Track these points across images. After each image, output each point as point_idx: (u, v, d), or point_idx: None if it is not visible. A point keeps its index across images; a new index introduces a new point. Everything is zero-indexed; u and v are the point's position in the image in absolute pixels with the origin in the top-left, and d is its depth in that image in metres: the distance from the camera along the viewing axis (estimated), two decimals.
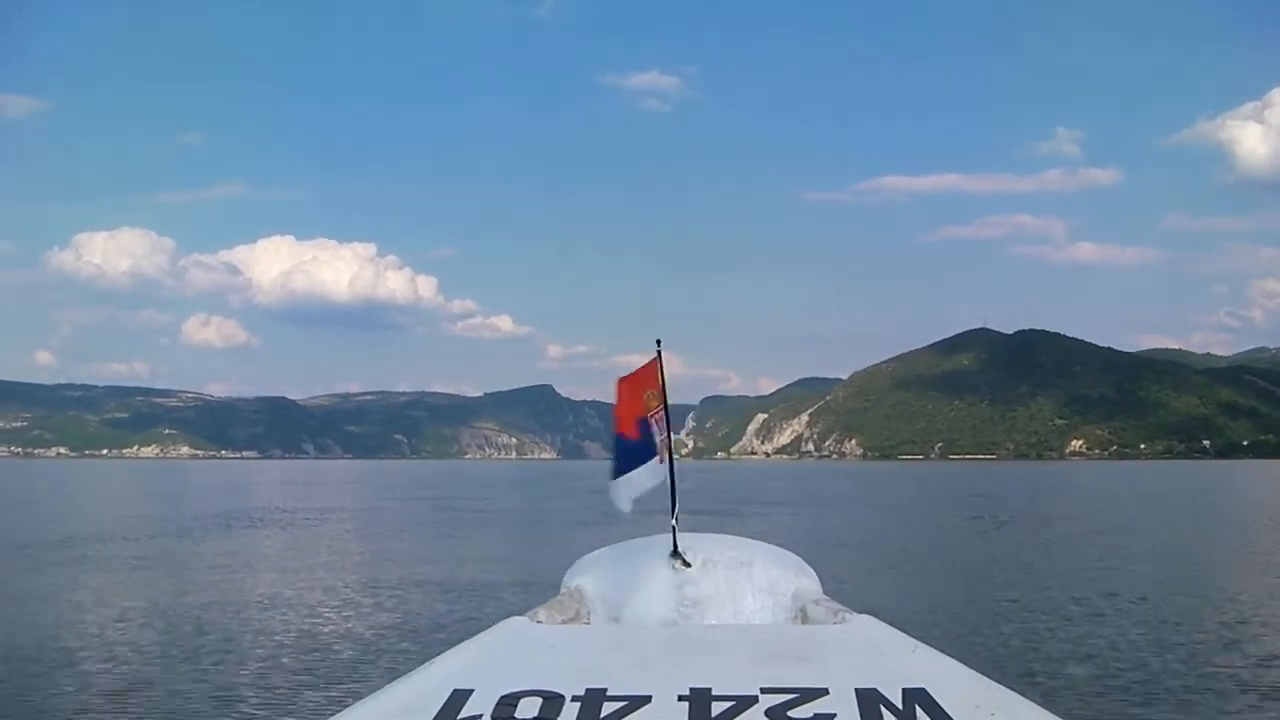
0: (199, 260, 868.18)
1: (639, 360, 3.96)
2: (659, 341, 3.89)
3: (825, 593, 3.94)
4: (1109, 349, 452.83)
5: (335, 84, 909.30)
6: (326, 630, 13.75)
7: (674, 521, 3.96)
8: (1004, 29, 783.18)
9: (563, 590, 3.94)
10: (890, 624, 2.87)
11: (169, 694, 10.12)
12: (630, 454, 3.88)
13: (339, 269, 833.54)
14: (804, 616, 3.65)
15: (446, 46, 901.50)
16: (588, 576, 3.97)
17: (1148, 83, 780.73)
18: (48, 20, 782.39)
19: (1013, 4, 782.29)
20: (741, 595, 3.83)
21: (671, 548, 3.96)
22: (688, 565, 3.90)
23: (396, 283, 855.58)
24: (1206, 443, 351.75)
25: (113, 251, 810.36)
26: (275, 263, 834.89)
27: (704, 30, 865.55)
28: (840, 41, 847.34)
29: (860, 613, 3.14)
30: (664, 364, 3.96)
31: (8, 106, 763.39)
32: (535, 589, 14.06)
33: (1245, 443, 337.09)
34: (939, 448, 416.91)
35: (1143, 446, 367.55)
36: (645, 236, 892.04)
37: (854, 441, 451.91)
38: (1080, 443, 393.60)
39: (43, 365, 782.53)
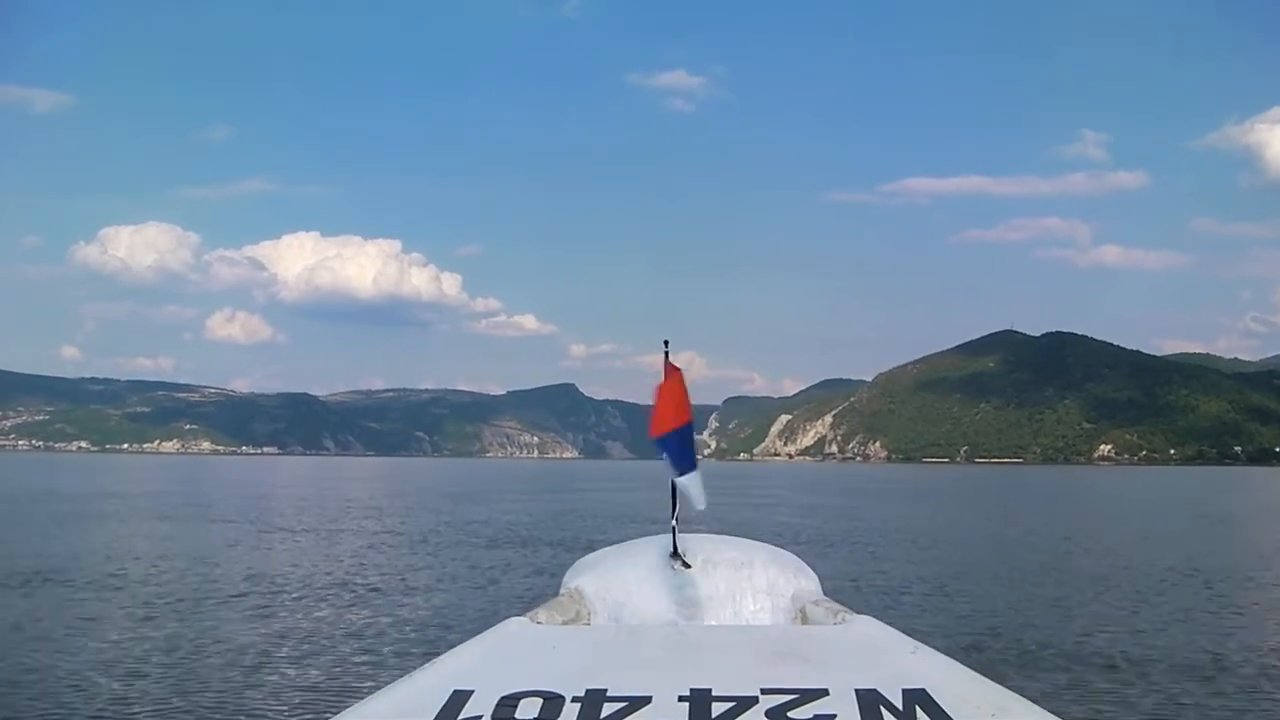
0: (224, 255, 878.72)
1: (662, 361, 3.89)
2: (666, 342, 3.82)
3: (825, 593, 3.91)
4: (1136, 352, 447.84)
5: (360, 82, 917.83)
6: (325, 631, 12.91)
7: (674, 522, 3.94)
8: (1030, 31, 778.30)
9: (562, 591, 3.91)
10: (890, 625, 2.85)
11: (166, 693, 9.52)
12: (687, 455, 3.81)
13: (363, 265, 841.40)
14: (804, 617, 3.63)
15: (473, 45, 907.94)
16: (588, 577, 3.95)
17: (1175, 86, 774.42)
18: (72, 14, 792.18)
19: (1038, 6, 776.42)
20: (741, 596, 3.82)
21: (671, 548, 3.94)
22: (688, 566, 3.89)
23: (421, 280, 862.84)
24: (1239, 449, 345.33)
25: (138, 246, 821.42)
26: (300, 258, 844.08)
27: (730, 30, 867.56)
28: (865, 43, 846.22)
29: (860, 613, 3.11)
30: (685, 365, 3.87)
31: (33, 101, 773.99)
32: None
33: (1277, 449, 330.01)
34: (964, 451, 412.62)
35: (1172, 452, 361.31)
36: (670, 236, 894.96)
37: (878, 444, 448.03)
38: (1108, 447, 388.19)
39: (69, 360, 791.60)
